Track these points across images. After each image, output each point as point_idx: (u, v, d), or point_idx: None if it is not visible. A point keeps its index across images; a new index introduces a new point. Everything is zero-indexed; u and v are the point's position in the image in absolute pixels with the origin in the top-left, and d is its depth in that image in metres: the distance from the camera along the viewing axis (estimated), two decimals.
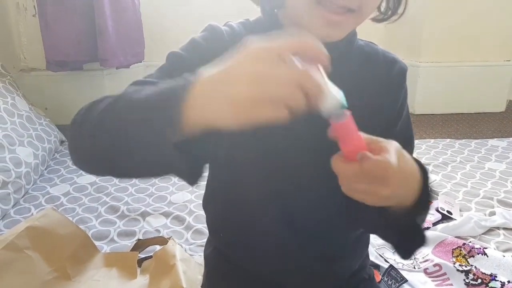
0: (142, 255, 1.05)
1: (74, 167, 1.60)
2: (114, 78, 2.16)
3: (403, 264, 1.10)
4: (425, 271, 1.08)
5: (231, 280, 0.72)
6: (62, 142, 1.83)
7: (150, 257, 1.01)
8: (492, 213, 1.34)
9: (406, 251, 0.56)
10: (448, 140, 1.96)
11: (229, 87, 0.35)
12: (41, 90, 2.13)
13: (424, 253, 1.14)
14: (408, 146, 0.68)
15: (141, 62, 2.14)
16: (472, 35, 2.30)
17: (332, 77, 0.59)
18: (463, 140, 1.97)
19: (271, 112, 0.35)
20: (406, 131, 0.66)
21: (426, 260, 1.11)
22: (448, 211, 1.33)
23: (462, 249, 1.13)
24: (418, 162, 0.49)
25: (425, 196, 0.50)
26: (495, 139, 2.00)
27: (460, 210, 1.36)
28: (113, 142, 0.42)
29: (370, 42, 0.66)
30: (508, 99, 2.50)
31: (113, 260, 1.00)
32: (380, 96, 0.61)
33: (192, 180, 0.42)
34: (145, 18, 2.10)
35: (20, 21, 2.10)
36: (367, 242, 0.76)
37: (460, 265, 1.07)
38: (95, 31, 1.89)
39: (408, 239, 0.54)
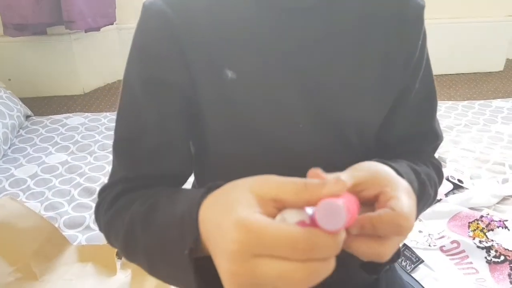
0: None
1: (43, 144, 1.46)
2: (83, 42, 1.97)
3: (417, 242, 1.00)
4: (441, 248, 0.98)
5: None
6: (27, 117, 1.65)
7: None
8: (505, 180, 1.25)
9: (374, 267, 0.44)
10: (450, 102, 1.86)
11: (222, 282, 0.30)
12: (1, 59, 1.93)
13: (439, 228, 1.04)
14: (430, 106, 0.55)
15: (112, 24, 1.94)
16: None
17: (328, 27, 0.45)
18: (466, 101, 1.87)
19: None
20: (427, 89, 0.53)
21: (442, 237, 1.01)
22: (459, 180, 1.23)
23: (479, 222, 1.03)
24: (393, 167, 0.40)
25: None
26: (499, 99, 1.91)
27: (471, 178, 1.27)
28: (146, 270, 0.43)
29: None
30: (507, 58, 2.39)
31: (88, 254, 0.87)
32: (391, 46, 0.48)
33: None
34: None
35: None
36: None
37: (480, 241, 0.97)
38: None
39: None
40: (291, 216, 0.26)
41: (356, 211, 0.30)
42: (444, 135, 1.65)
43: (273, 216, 0.27)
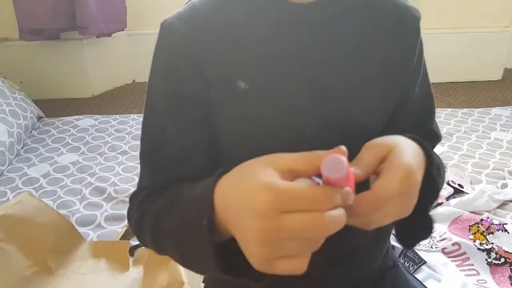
0: (134, 242, 0.95)
1: (54, 145, 1.49)
2: (95, 47, 2.01)
3: (420, 244, 1.02)
4: (443, 250, 1.01)
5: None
6: (39, 118, 1.69)
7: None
8: (504, 185, 1.28)
9: (409, 241, 0.48)
10: (450, 109, 1.89)
11: (243, 246, 0.34)
12: (15, 62, 1.97)
13: (440, 231, 1.07)
14: (429, 109, 0.58)
15: (123, 30, 1.99)
16: (470, 0, 2.20)
17: (332, 39, 0.49)
18: (465, 109, 1.90)
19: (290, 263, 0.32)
20: (426, 93, 0.56)
21: (444, 239, 1.04)
22: (459, 184, 1.26)
23: (479, 225, 1.06)
24: (420, 143, 0.43)
25: (432, 182, 0.43)
26: (498, 107, 1.94)
27: (471, 183, 1.30)
28: (177, 261, 0.47)
29: None
30: (505, 67, 2.43)
31: (102, 250, 0.90)
32: (391, 55, 0.51)
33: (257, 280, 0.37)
34: None
35: None
36: (389, 231, 0.68)
37: (480, 243, 1.00)
38: None
39: (414, 228, 0.46)
40: (303, 183, 0.31)
41: (354, 181, 0.35)
42: (444, 141, 1.69)
43: None
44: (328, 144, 0.51)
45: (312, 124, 0.50)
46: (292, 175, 0.32)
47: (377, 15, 0.51)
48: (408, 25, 0.52)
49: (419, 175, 0.39)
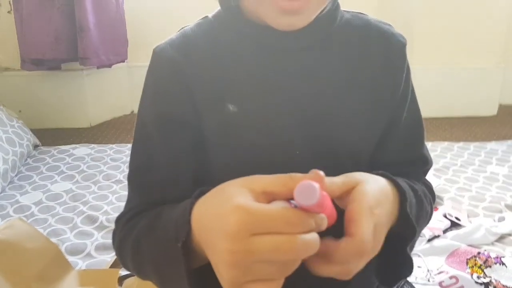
0: (123, 272, 0.92)
1: (49, 173, 1.49)
2: (95, 78, 2.03)
3: (416, 277, 1.00)
4: (441, 284, 0.99)
5: None
6: (35, 146, 1.69)
7: (133, 274, 0.88)
8: (502, 219, 1.27)
9: (390, 280, 0.47)
10: (446, 143, 1.89)
11: (215, 269, 0.33)
12: (15, 91, 1.98)
13: (438, 264, 1.05)
14: (418, 133, 0.59)
15: (124, 61, 2.02)
16: (464, 38, 2.26)
17: (321, 65, 0.50)
18: (461, 143, 1.91)
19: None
20: (414, 117, 0.57)
21: (441, 272, 1.01)
22: (456, 217, 1.24)
23: (477, 258, 1.04)
24: (393, 181, 0.44)
25: (407, 220, 0.43)
26: (493, 142, 1.95)
27: (468, 216, 1.28)
28: (157, 285, 0.46)
29: (359, 12, 0.56)
30: (500, 103, 2.46)
31: (90, 279, 0.88)
32: (378, 80, 0.52)
33: None
34: (128, 14, 1.98)
35: None
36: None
37: (478, 277, 0.97)
38: (74, 27, 1.77)
39: (393, 267, 0.45)
40: (279, 205, 0.31)
41: (331, 206, 0.34)
42: (440, 174, 1.67)
43: None
44: (318, 168, 0.51)
45: (301, 147, 0.50)
46: (267, 197, 0.32)
47: (364, 41, 0.52)
48: (395, 51, 0.53)
49: (380, 209, 0.38)
